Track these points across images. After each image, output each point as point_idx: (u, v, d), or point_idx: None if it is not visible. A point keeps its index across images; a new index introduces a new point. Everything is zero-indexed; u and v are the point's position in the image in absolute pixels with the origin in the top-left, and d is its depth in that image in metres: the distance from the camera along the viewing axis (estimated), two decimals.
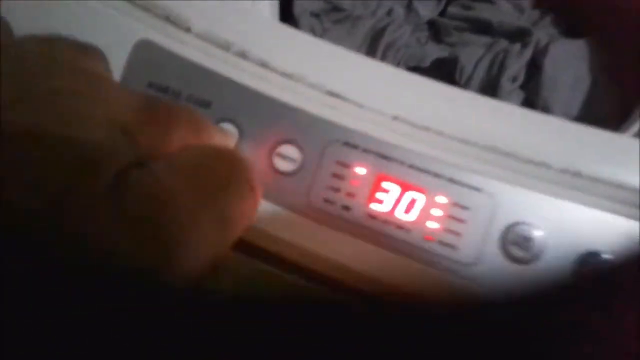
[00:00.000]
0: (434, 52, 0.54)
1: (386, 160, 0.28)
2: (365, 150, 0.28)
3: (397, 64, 0.52)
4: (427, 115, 0.29)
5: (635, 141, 0.28)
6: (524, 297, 0.27)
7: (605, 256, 0.26)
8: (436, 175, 0.27)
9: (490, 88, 0.50)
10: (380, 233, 0.27)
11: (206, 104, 0.30)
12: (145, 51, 0.30)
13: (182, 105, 0.21)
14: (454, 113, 0.29)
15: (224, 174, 0.17)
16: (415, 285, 0.28)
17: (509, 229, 0.26)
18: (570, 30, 0.54)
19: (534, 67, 0.52)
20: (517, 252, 0.26)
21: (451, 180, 0.27)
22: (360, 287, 0.28)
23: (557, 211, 0.26)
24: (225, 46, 0.30)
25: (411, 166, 0.28)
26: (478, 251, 0.27)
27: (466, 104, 0.30)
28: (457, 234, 0.27)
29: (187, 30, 0.31)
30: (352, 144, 0.28)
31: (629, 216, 0.26)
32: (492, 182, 0.27)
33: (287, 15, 0.52)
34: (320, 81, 0.29)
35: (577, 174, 0.27)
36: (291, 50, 0.30)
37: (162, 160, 0.15)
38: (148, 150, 0.15)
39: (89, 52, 0.18)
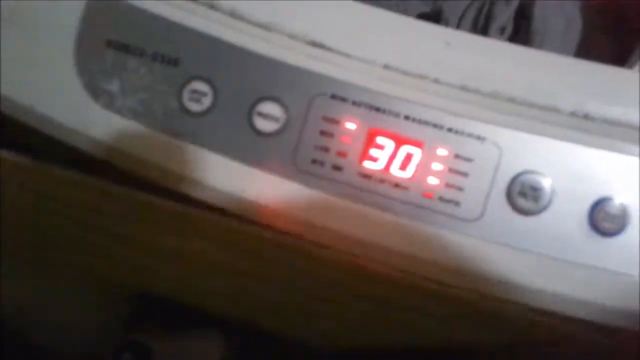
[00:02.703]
0: (417, 7, 0.51)
1: (378, 112, 0.26)
2: (355, 103, 0.26)
3: None
4: (421, 61, 0.27)
5: None
6: (532, 251, 0.25)
7: (619, 202, 0.24)
8: (434, 125, 0.25)
9: None
10: (375, 193, 0.26)
11: (174, 62, 0.27)
12: (101, 5, 0.27)
13: None
14: (451, 58, 0.27)
15: None
16: (415, 247, 0.26)
17: (516, 179, 0.25)
18: None
19: (522, 19, 0.50)
20: (525, 203, 0.25)
21: (451, 130, 0.25)
22: (355, 253, 0.26)
23: (566, 157, 0.25)
24: None
25: (406, 117, 0.26)
26: (482, 206, 0.25)
27: (462, 47, 0.27)
28: (459, 188, 0.25)
29: None
30: (340, 96, 0.26)
31: None
32: (496, 129, 0.25)
33: None
34: (299, 30, 0.27)
35: (586, 117, 0.25)
36: None
37: None
38: None
39: None
